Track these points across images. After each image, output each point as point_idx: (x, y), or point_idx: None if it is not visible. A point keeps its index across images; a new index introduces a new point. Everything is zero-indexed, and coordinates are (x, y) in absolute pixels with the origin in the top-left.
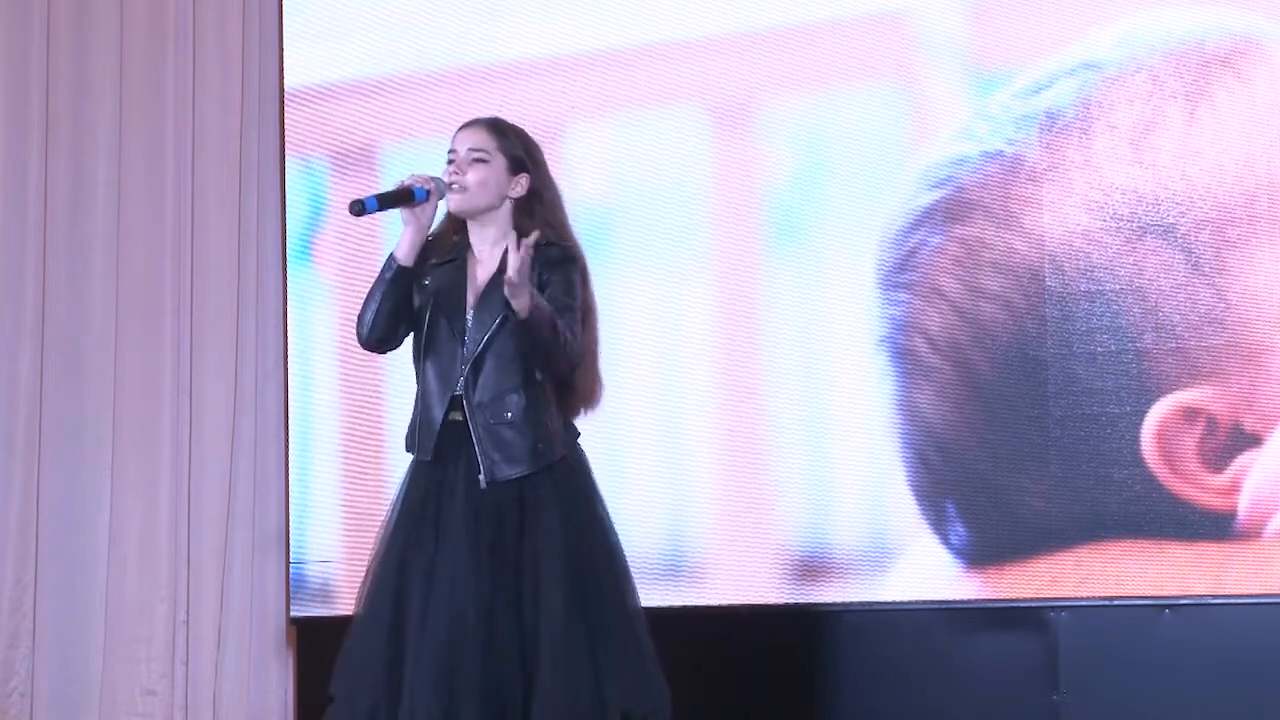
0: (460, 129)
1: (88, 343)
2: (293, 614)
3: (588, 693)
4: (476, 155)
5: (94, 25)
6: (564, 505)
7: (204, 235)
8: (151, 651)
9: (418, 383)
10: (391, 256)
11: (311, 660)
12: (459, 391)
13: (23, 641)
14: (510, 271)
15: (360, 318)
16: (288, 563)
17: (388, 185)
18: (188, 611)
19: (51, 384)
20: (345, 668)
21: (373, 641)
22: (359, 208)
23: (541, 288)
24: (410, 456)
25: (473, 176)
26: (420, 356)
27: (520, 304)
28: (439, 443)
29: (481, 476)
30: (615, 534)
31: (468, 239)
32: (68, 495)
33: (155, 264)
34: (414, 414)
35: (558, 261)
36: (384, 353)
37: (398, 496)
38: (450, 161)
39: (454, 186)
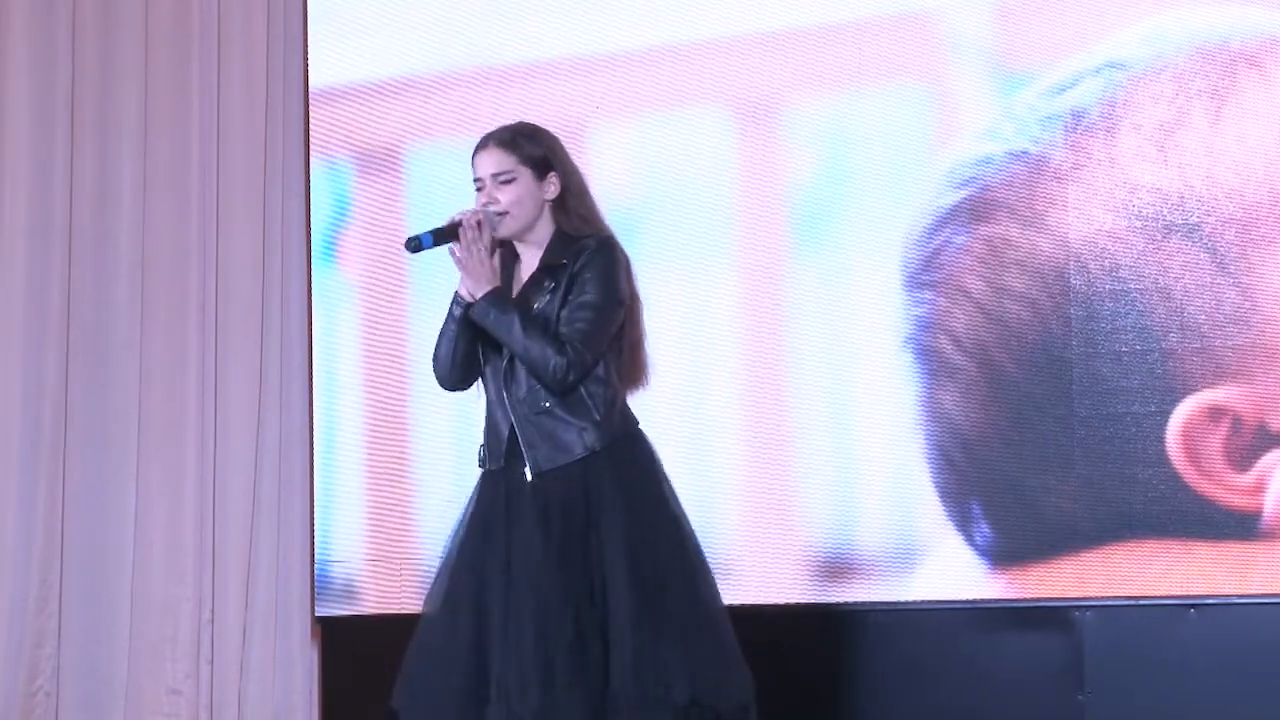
0: (476, 153)
1: (113, 343)
2: (317, 612)
3: (657, 681)
4: (503, 178)
5: (119, 26)
6: (626, 496)
7: (229, 235)
8: (177, 650)
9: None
10: (457, 294)
11: (336, 658)
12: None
13: (48, 641)
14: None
15: (435, 357)
16: (312, 561)
17: (437, 222)
18: (213, 610)
19: (77, 384)
20: (417, 673)
21: (454, 645)
22: (415, 244)
23: (572, 283)
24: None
25: (507, 198)
26: (481, 370)
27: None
28: (508, 450)
29: (527, 469)
30: (686, 523)
31: (512, 246)
32: (93, 495)
33: (180, 264)
34: (484, 431)
35: (592, 254)
36: (465, 390)
37: (468, 504)
38: (479, 189)
39: (499, 215)
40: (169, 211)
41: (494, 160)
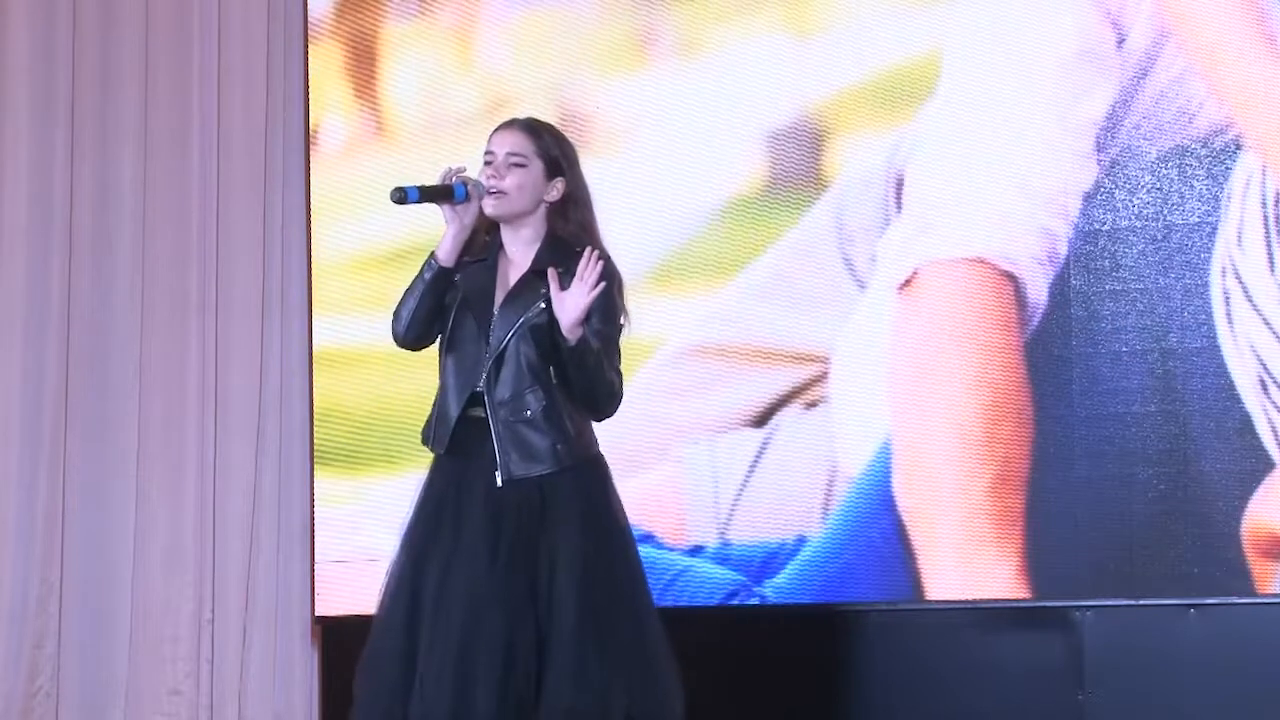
0: (497, 130)
1: (113, 342)
2: (317, 613)
3: (594, 694)
4: (515, 160)
5: (119, 26)
6: (582, 506)
7: (229, 235)
8: (177, 651)
9: (440, 377)
10: (433, 255)
11: (337, 659)
12: (480, 388)
13: (48, 641)
14: (575, 313)
15: (397, 314)
16: (312, 561)
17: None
18: (213, 611)
19: (77, 384)
20: (364, 667)
21: (390, 639)
22: (400, 195)
23: None
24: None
25: (511, 181)
26: (443, 351)
27: (573, 332)
28: (458, 439)
29: (499, 474)
30: (632, 539)
31: (500, 238)
32: (93, 495)
33: (180, 263)
34: (432, 408)
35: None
36: (417, 350)
37: (418, 494)
38: (488, 163)
39: (493, 190)
40: (169, 211)
41: (513, 140)
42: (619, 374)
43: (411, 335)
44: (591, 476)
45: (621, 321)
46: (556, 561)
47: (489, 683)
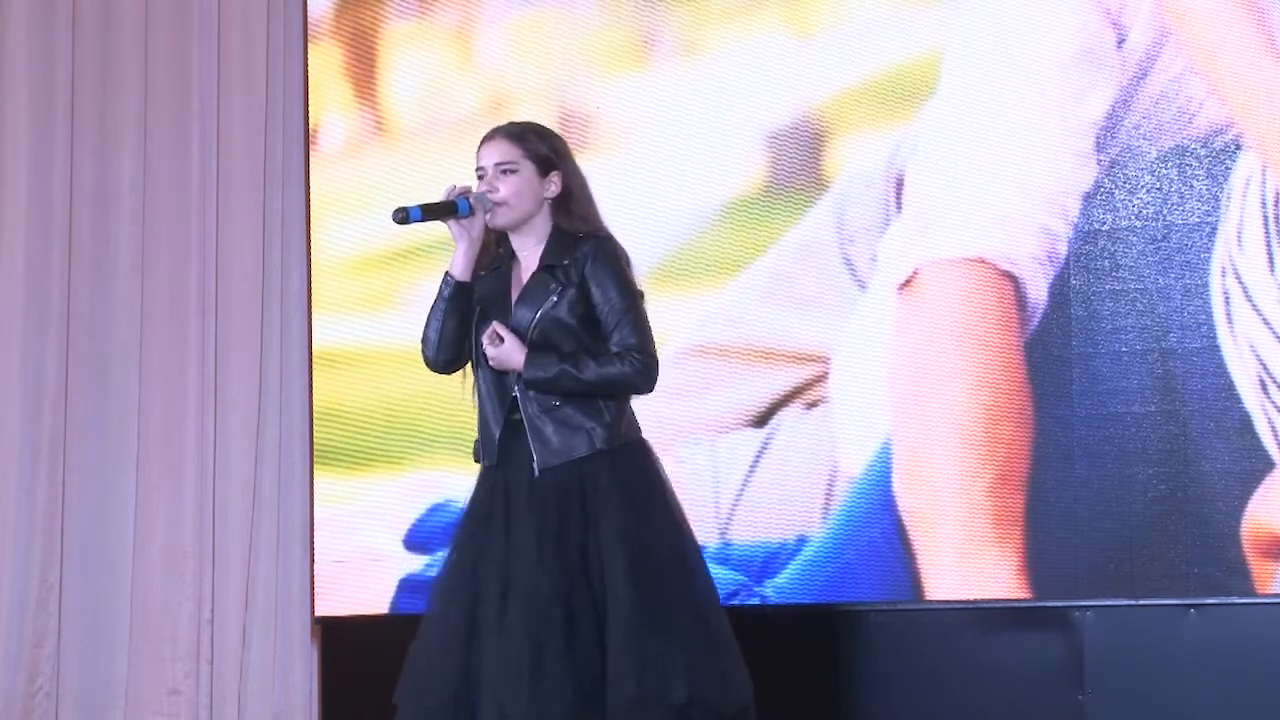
0: (482, 143)
1: (113, 343)
2: (317, 613)
3: (656, 682)
4: (505, 168)
5: (119, 26)
6: (625, 494)
7: (229, 235)
8: (177, 651)
9: (476, 395)
10: (448, 274)
11: (337, 659)
12: (514, 393)
13: (48, 641)
14: (496, 363)
15: (425, 339)
16: (312, 561)
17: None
18: (213, 611)
19: (76, 384)
20: (416, 668)
21: (448, 643)
22: (403, 215)
23: (585, 292)
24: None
25: (506, 189)
26: (475, 368)
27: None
28: (504, 446)
29: (535, 464)
30: (684, 521)
31: (510, 246)
32: (93, 495)
33: (180, 264)
34: (478, 424)
35: (599, 260)
36: (453, 372)
37: (467, 502)
38: (480, 178)
39: (496, 204)
40: (169, 211)
41: (499, 150)
42: (638, 354)
43: (443, 358)
44: (631, 460)
45: (639, 290)
46: (604, 550)
47: (560, 679)
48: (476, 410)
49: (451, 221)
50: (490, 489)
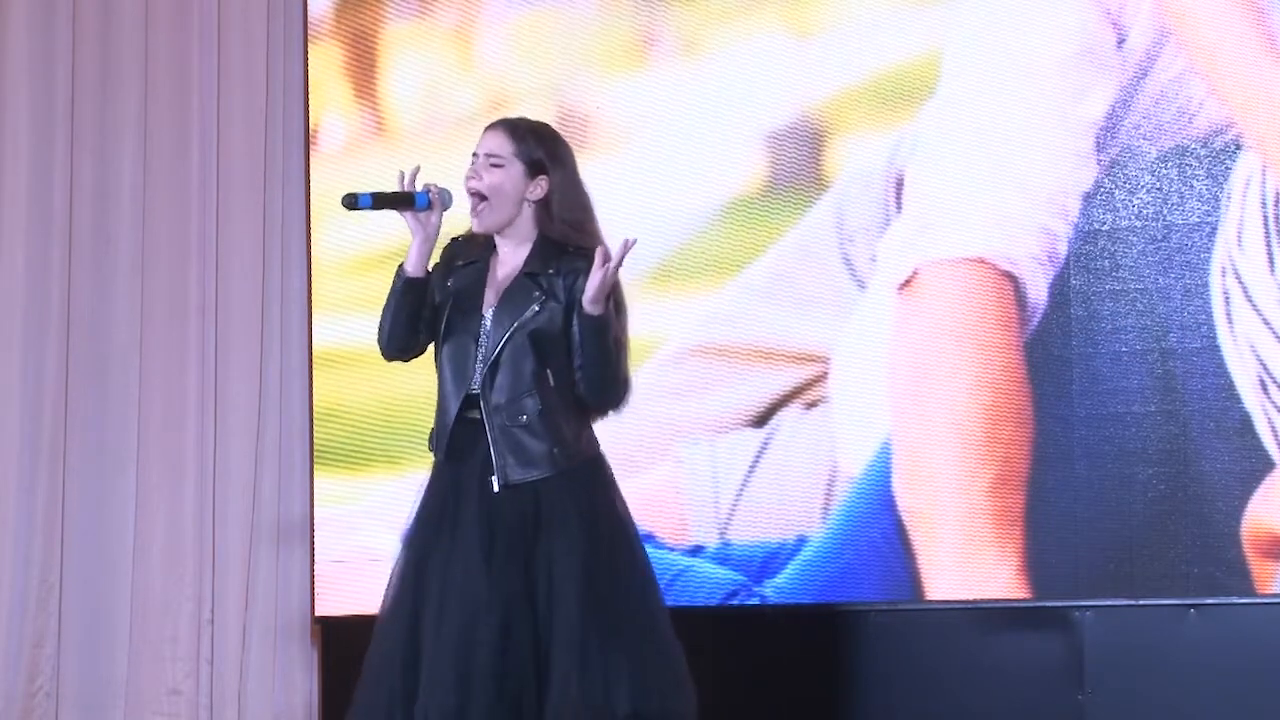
0: (486, 130)
1: (113, 343)
2: (317, 613)
3: (601, 691)
4: (493, 161)
5: (119, 26)
6: (580, 507)
7: (229, 235)
8: (177, 651)
9: (438, 383)
10: (401, 268)
11: (336, 659)
12: (474, 390)
13: (48, 641)
14: (593, 290)
15: (379, 328)
16: (312, 561)
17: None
18: (213, 611)
19: (77, 385)
20: (366, 670)
21: (391, 643)
22: (351, 201)
23: (571, 301)
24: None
25: (487, 180)
26: (437, 356)
27: (595, 306)
28: (455, 441)
29: (495, 479)
30: (636, 536)
31: (493, 238)
32: (93, 495)
33: (180, 264)
34: (436, 411)
35: (587, 272)
36: (407, 361)
37: (418, 498)
38: (472, 163)
39: (470, 191)
40: (169, 211)
41: (494, 142)
42: (627, 381)
43: (394, 348)
44: (589, 477)
45: (624, 316)
46: (554, 563)
47: (488, 688)
48: (437, 400)
49: (408, 214)
50: (442, 490)
